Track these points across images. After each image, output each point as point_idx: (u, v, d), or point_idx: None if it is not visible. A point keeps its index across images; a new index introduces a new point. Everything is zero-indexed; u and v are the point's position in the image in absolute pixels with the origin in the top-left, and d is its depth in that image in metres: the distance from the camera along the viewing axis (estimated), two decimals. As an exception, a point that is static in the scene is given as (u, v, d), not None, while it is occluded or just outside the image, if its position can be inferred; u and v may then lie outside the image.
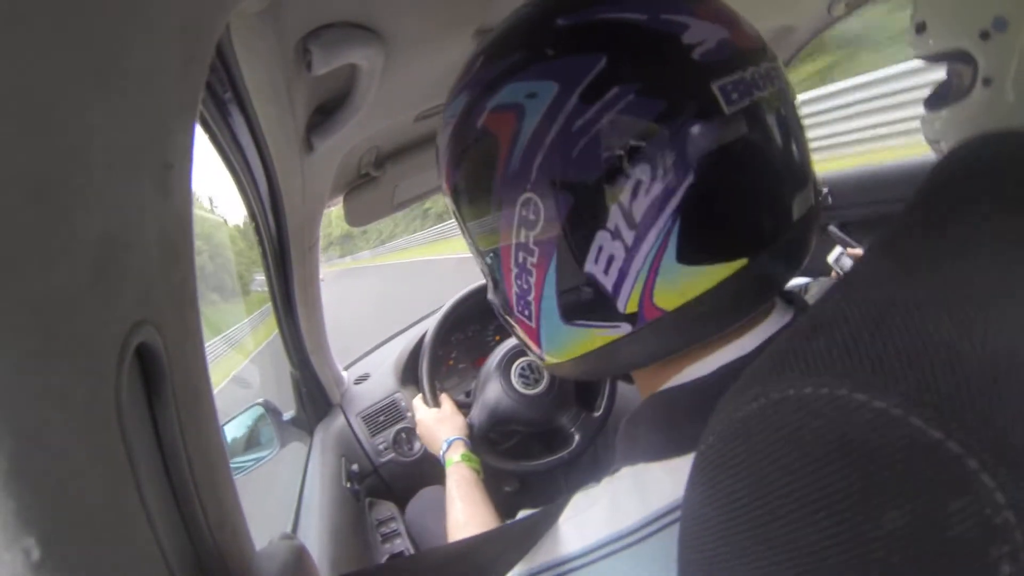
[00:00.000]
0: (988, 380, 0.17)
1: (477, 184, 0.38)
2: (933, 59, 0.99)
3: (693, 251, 0.33)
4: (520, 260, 0.37)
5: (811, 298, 1.13)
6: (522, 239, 0.36)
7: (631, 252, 0.33)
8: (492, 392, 1.05)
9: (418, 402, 1.11)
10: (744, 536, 0.20)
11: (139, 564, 0.26)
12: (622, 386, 1.14)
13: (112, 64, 0.25)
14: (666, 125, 0.31)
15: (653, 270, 0.33)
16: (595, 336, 0.37)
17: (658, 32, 0.33)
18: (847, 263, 1.32)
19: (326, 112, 0.71)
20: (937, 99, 1.02)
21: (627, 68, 0.32)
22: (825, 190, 1.51)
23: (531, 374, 1.05)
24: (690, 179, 0.31)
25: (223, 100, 0.58)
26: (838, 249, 1.36)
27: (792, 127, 0.35)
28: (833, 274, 1.35)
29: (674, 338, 0.36)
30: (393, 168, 1.09)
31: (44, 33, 0.21)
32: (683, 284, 0.33)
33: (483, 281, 1.22)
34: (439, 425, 1.00)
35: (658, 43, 0.33)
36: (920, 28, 0.97)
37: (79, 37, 0.23)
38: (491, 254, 0.40)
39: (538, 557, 0.39)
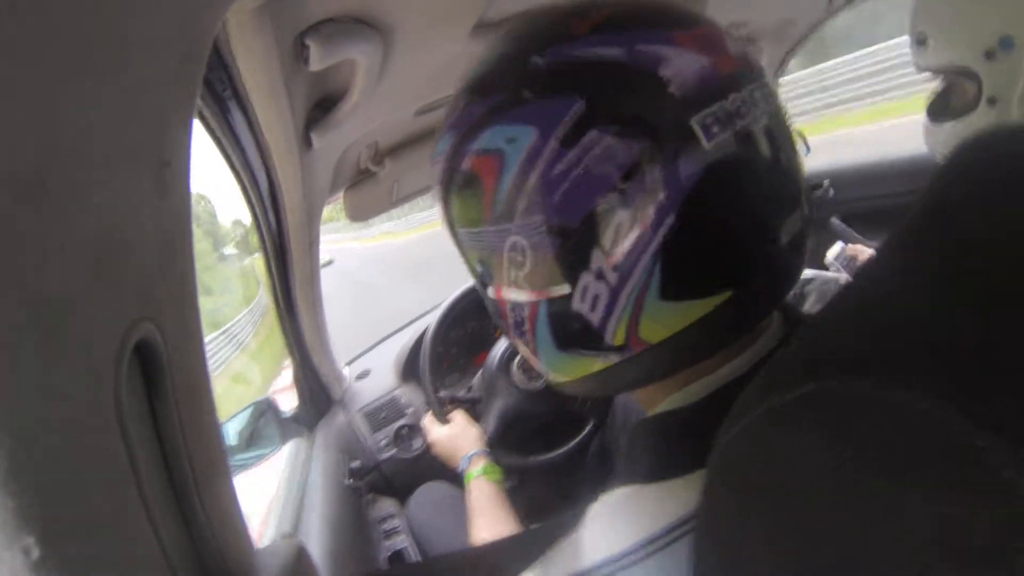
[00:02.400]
0: (1016, 378, 0.17)
1: (468, 223, 0.39)
2: (936, 72, 0.96)
3: (676, 288, 0.33)
4: (513, 295, 0.38)
5: (811, 304, 1.13)
6: (512, 277, 0.37)
7: (614, 291, 0.33)
8: (498, 396, 1.05)
9: (429, 422, 1.11)
10: (772, 534, 0.20)
11: (139, 562, 0.26)
12: None
13: (109, 61, 0.25)
14: (644, 167, 0.31)
15: (637, 307, 0.33)
16: (589, 363, 0.38)
17: (634, 69, 0.32)
18: (846, 260, 1.31)
19: (325, 108, 0.71)
20: (940, 109, 0.99)
21: (604, 110, 0.32)
22: (826, 182, 1.50)
23: (533, 368, 1.05)
24: (670, 219, 0.31)
25: (221, 96, 0.58)
26: (839, 245, 1.35)
27: (779, 148, 0.35)
28: (832, 271, 1.35)
29: (664, 366, 0.37)
30: (393, 163, 1.08)
31: (40, 30, 0.21)
32: (667, 319, 0.34)
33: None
34: (455, 441, 1.00)
35: (634, 81, 0.32)
36: (921, 40, 0.94)
37: (75, 34, 0.23)
38: (488, 284, 0.41)
39: (551, 572, 0.40)
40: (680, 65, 0.32)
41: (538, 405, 1.04)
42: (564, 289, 0.35)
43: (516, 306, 0.39)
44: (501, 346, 1.09)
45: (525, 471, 1.04)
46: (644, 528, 0.34)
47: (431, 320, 1.19)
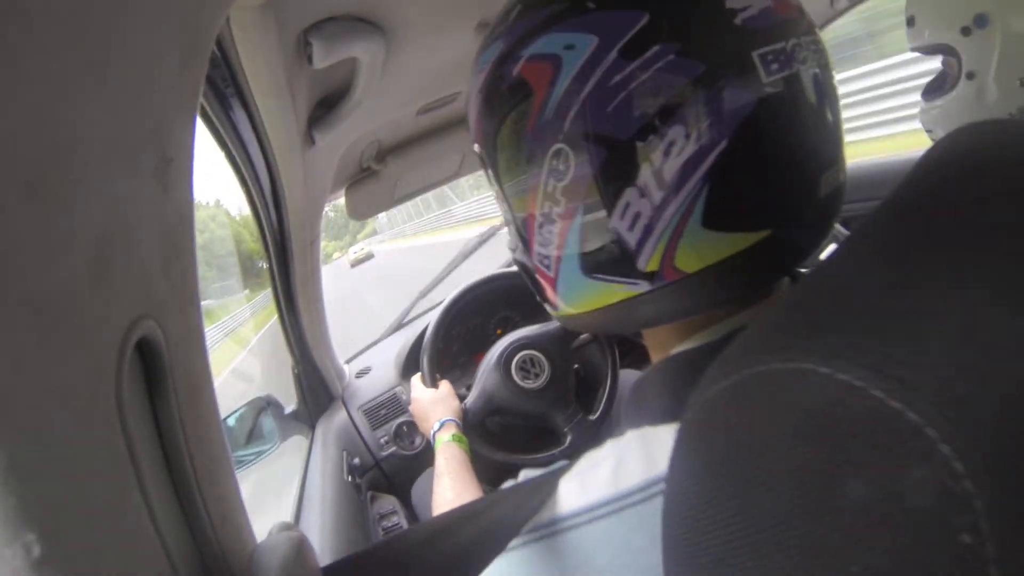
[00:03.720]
0: (949, 351, 0.17)
1: (508, 132, 0.38)
2: (924, 51, 1.03)
3: (719, 216, 0.33)
4: (546, 209, 0.37)
5: None
6: (550, 189, 0.36)
7: (657, 211, 0.33)
8: (491, 381, 1.05)
9: (416, 381, 1.11)
10: (722, 507, 0.20)
11: (141, 559, 0.26)
12: (621, 390, 1.13)
13: (111, 58, 0.25)
14: (704, 88, 0.31)
15: (677, 231, 0.33)
16: (613, 291, 0.37)
17: None
18: None
19: (328, 106, 0.71)
20: (932, 89, 1.06)
21: (669, 27, 0.32)
22: None
23: (532, 368, 1.05)
24: (723, 144, 0.31)
25: (224, 94, 0.58)
26: (832, 247, 1.35)
27: (827, 103, 0.35)
28: None
29: (691, 300, 0.36)
30: (395, 162, 1.08)
31: (42, 27, 0.21)
32: (705, 248, 0.34)
33: (483, 276, 1.24)
34: (434, 405, 1.00)
35: (702, 4, 0.33)
36: (910, 21, 1.02)
37: (78, 31, 0.23)
38: (517, 201, 0.40)
39: (538, 514, 0.40)
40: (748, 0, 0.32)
41: (526, 405, 1.04)
42: (605, 204, 0.34)
43: (547, 223, 0.38)
44: (506, 340, 1.09)
45: (488, 463, 1.03)
46: (655, 467, 0.34)
47: (433, 317, 1.20)
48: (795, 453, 0.18)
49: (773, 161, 0.33)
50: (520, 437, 1.14)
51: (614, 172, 0.33)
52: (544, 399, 1.04)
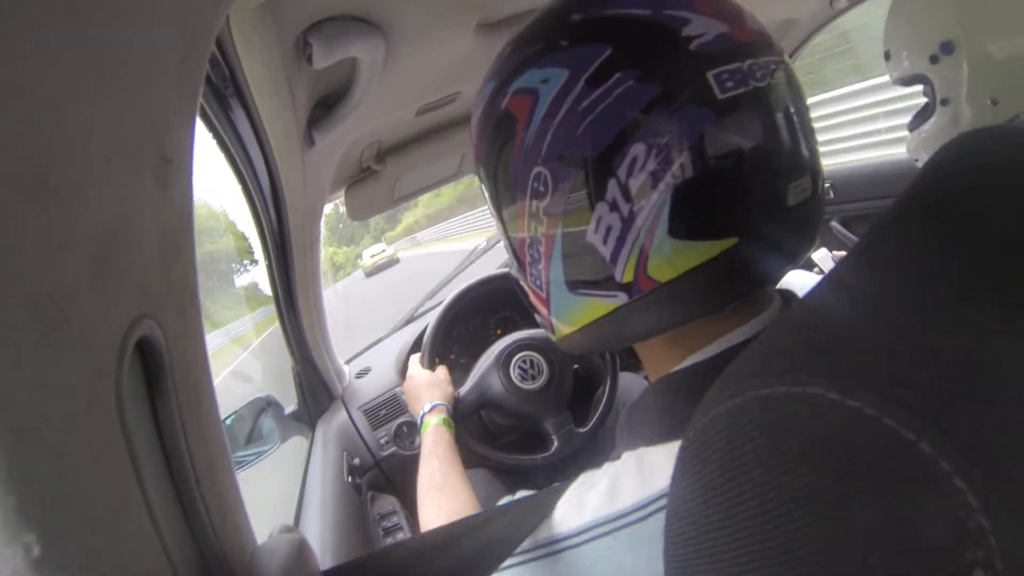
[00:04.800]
0: (964, 379, 0.17)
1: (499, 159, 0.42)
2: (903, 83, 1.07)
3: (683, 226, 0.35)
4: (532, 230, 0.41)
5: None
6: (533, 210, 0.40)
7: (627, 224, 0.36)
8: (488, 375, 1.05)
9: (414, 360, 1.11)
10: (726, 531, 0.20)
11: (141, 559, 0.26)
12: (617, 403, 1.12)
13: (111, 58, 0.25)
14: (661, 107, 0.34)
15: (647, 242, 0.36)
16: (597, 305, 0.40)
17: (660, 25, 0.36)
18: (830, 264, 1.33)
19: (327, 106, 0.71)
20: (916, 119, 1.09)
21: (628, 57, 0.35)
22: (827, 184, 1.50)
23: (530, 369, 1.05)
24: (681, 158, 0.34)
25: (224, 94, 0.58)
26: (823, 249, 1.37)
27: (792, 117, 0.37)
28: (816, 271, 1.36)
29: (670, 310, 0.39)
30: (394, 162, 1.09)
31: (43, 27, 0.21)
32: (675, 257, 0.36)
33: (483, 276, 1.24)
34: (429, 387, 1.00)
35: (659, 35, 0.36)
36: (887, 56, 1.06)
37: (78, 31, 0.23)
38: (510, 223, 0.44)
39: (535, 533, 0.41)
40: (702, 28, 0.36)
41: (519, 405, 1.03)
42: (580, 220, 0.37)
43: (534, 242, 0.41)
44: (509, 339, 1.09)
45: (469, 454, 1.02)
46: (650, 487, 0.35)
47: (432, 317, 1.20)
48: (803, 481, 0.18)
49: (732, 172, 0.35)
50: (506, 435, 1.13)
51: (586, 189, 0.36)
52: (538, 402, 1.03)
